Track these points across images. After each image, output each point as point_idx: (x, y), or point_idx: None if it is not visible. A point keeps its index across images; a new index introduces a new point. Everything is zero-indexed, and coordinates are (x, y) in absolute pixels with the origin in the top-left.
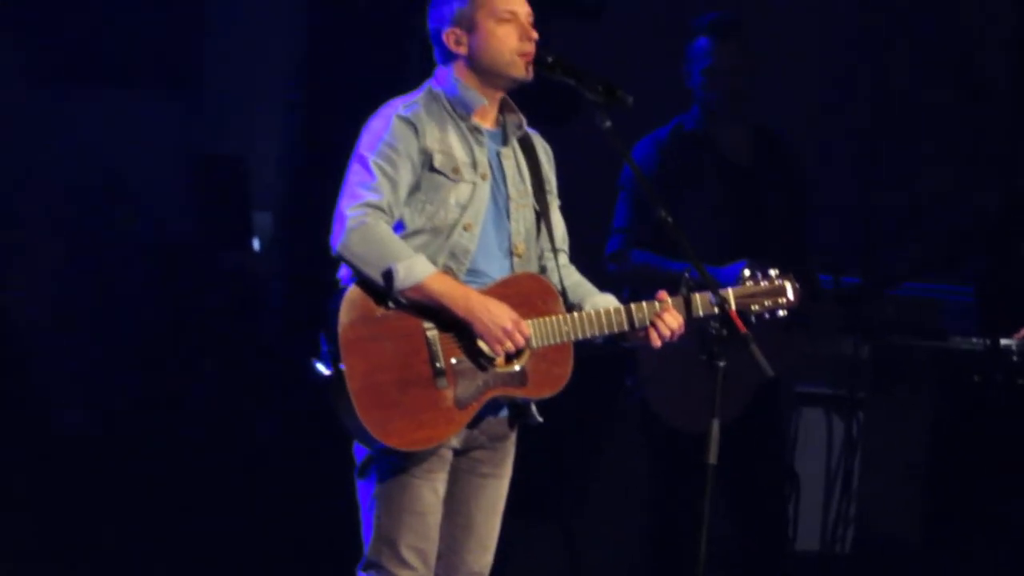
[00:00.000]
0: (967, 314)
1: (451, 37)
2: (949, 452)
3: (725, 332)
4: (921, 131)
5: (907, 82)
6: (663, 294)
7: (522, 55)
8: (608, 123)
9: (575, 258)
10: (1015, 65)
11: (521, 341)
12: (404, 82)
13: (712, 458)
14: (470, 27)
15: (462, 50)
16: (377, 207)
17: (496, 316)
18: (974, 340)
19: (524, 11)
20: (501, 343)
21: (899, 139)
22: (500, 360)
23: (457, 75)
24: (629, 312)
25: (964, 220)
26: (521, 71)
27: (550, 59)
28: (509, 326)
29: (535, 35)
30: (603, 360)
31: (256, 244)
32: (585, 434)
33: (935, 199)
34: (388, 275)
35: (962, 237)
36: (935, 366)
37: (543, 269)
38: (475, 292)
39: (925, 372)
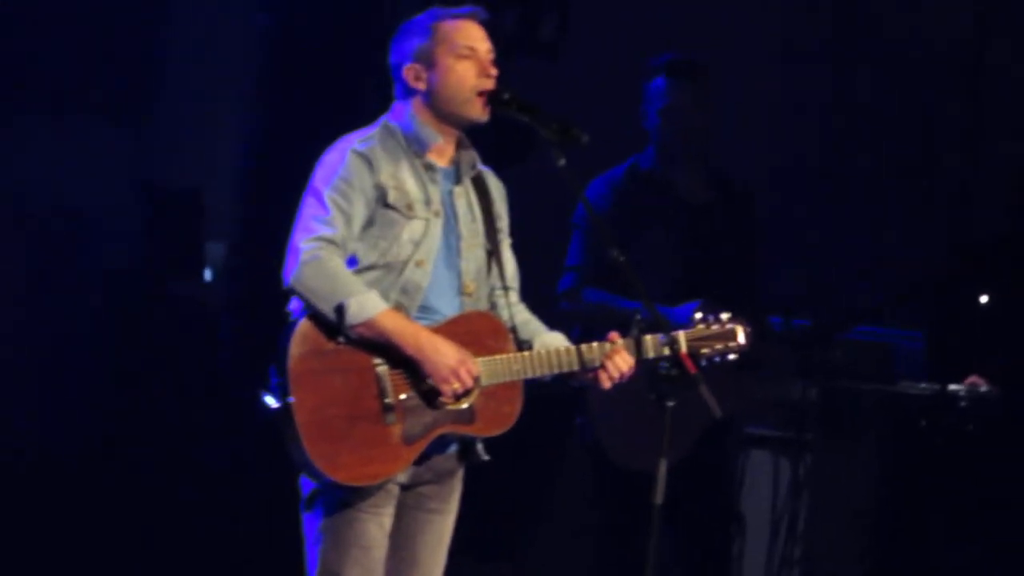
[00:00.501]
0: (915, 359)
1: (411, 72)
2: (895, 497)
3: (675, 372)
4: (873, 177)
5: (861, 130)
6: (614, 335)
7: (480, 93)
8: (563, 161)
9: (528, 294)
10: (967, 119)
11: (469, 382)
12: (359, 116)
13: (659, 497)
14: (430, 63)
15: (421, 86)
16: (331, 241)
17: (445, 356)
18: (922, 385)
19: (484, 48)
20: (449, 383)
21: (852, 185)
22: (449, 398)
23: (414, 111)
24: (579, 352)
25: (914, 266)
26: (477, 111)
27: (506, 96)
28: (457, 366)
29: (494, 72)
30: (553, 398)
31: (208, 274)
32: (535, 472)
33: (886, 244)
34: (340, 310)
35: (912, 283)
36: (883, 410)
37: (493, 307)
38: (425, 331)
39: (873, 416)
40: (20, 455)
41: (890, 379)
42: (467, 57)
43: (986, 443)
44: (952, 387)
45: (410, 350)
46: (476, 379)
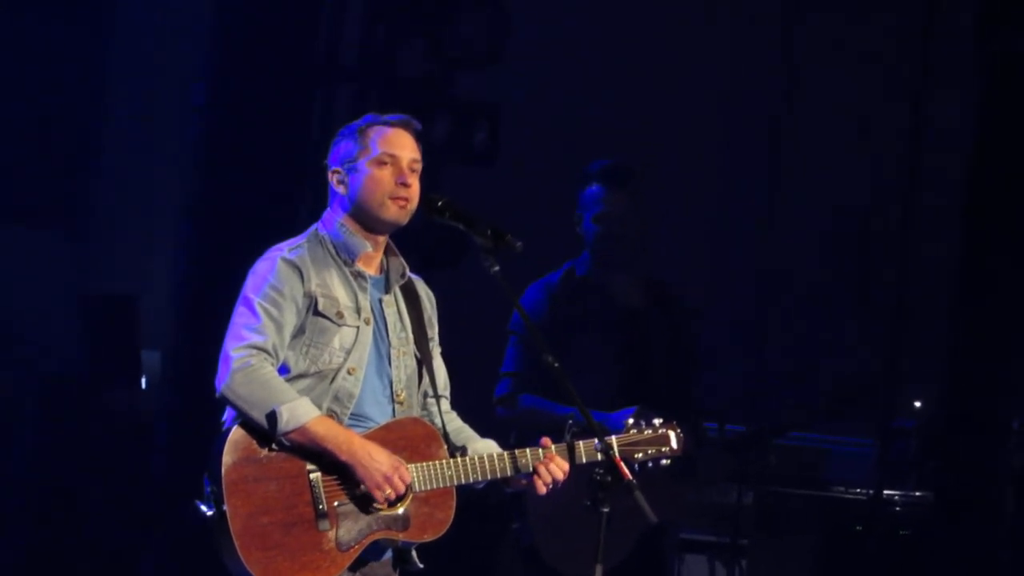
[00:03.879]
0: (849, 464)
1: (335, 176)
2: None
3: (610, 478)
4: (808, 283)
5: (797, 238)
6: (547, 440)
7: (394, 198)
8: (496, 268)
9: (461, 401)
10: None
11: (401, 488)
12: (294, 224)
13: None
14: (351, 168)
15: (342, 190)
16: (262, 348)
17: (378, 462)
18: (857, 490)
19: (408, 156)
20: (382, 489)
21: (785, 291)
22: (383, 504)
23: (342, 219)
24: (513, 457)
25: (849, 372)
26: (392, 213)
27: (440, 203)
28: (390, 472)
29: (411, 182)
30: (489, 504)
31: (144, 383)
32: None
33: (821, 350)
34: (272, 417)
35: (848, 388)
36: (818, 515)
37: (425, 414)
38: (358, 437)
39: (808, 520)
40: None
41: (824, 484)
42: (386, 164)
43: (921, 547)
44: (887, 492)
45: (343, 456)
46: (408, 485)
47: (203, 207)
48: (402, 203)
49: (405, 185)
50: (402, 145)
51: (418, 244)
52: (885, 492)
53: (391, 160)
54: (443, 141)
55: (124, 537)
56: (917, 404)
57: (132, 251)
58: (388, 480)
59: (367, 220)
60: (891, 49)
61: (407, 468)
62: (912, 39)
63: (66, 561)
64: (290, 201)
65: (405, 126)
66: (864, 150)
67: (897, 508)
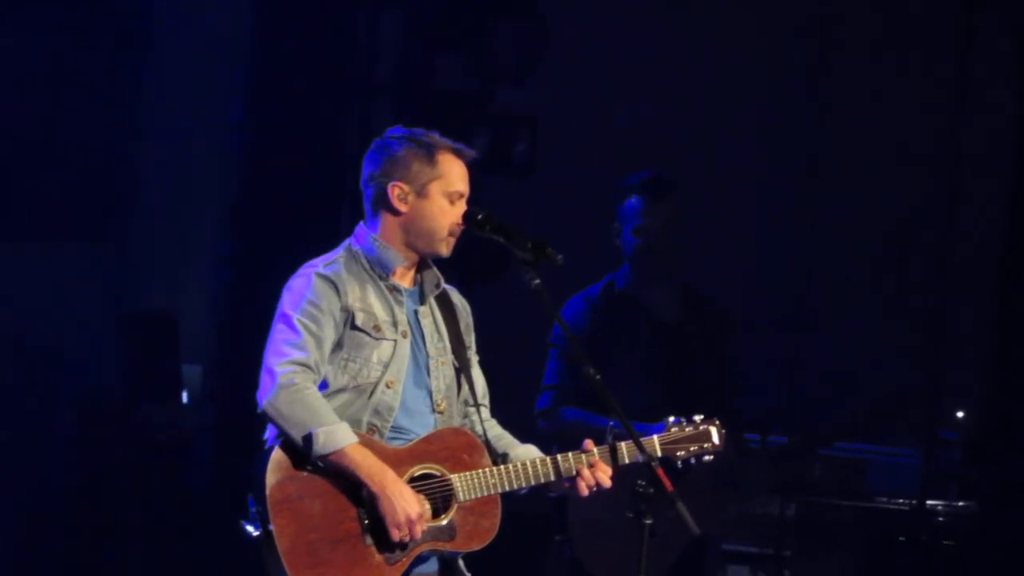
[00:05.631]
0: (893, 474)
1: (396, 191)
2: None
3: (652, 490)
4: (849, 293)
5: (838, 245)
6: (589, 443)
7: (452, 235)
8: (536, 281)
9: (503, 414)
10: (943, 229)
11: (418, 535)
12: (332, 238)
13: None
14: (421, 191)
15: (403, 207)
16: (304, 365)
17: (407, 502)
18: (900, 500)
19: (467, 194)
20: (400, 529)
21: (828, 300)
22: (428, 514)
23: (375, 234)
24: (555, 463)
25: (892, 382)
26: (448, 250)
27: (480, 216)
28: (415, 517)
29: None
30: (533, 516)
31: (185, 397)
32: None
33: (862, 360)
34: (308, 439)
35: (890, 399)
36: (860, 525)
37: (466, 423)
38: (392, 473)
39: (851, 531)
40: None
41: (867, 495)
42: (454, 201)
43: (964, 557)
44: (930, 502)
45: (374, 487)
46: (455, 494)
47: (242, 223)
48: (452, 241)
49: (461, 225)
50: (467, 182)
51: (459, 258)
52: (928, 502)
53: (459, 197)
54: (482, 154)
55: (164, 553)
56: (960, 414)
57: (171, 267)
58: (410, 523)
59: (418, 245)
60: (930, 53)
61: (454, 477)
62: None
63: (105, 575)
64: (328, 216)
65: (467, 158)
66: (903, 160)
67: (940, 518)
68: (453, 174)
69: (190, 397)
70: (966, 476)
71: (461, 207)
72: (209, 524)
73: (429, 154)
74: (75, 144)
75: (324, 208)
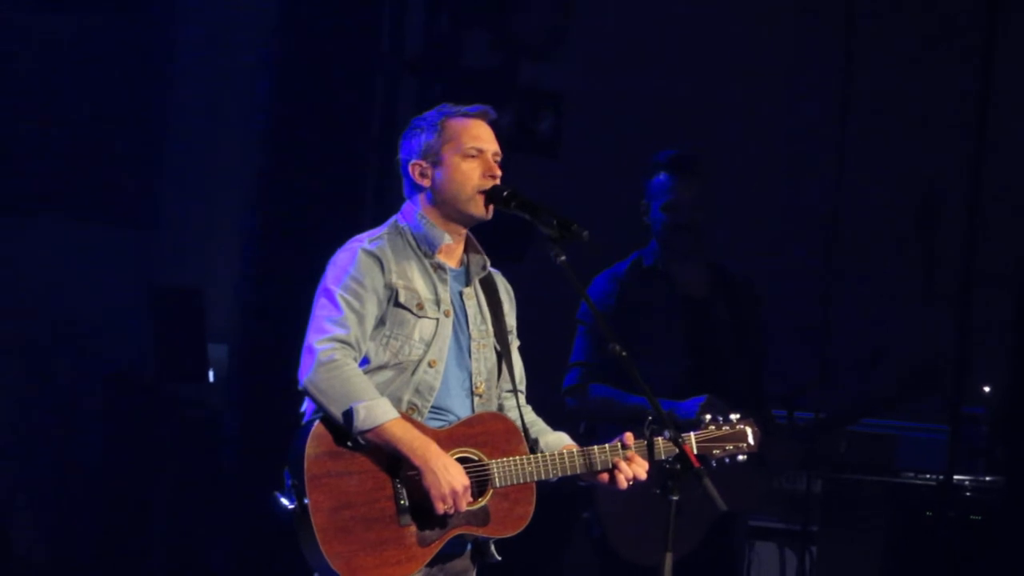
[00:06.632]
0: (919, 450)
1: (416, 169)
2: None
3: (679, 466)
4: (875, 269)
5: (863, 224)
6: (629, 438)
7: (482, 193)
8: (563, 257)
9: (530, 391)
10: (969, 201)
11: (461, 509)
12: (358, 216)
13: None
14: (436, 160)
15: (425, 183)
16: (345, 342)
17: (451, 475)
18: (927, 476)
19: (491, 149)
20: (445, 501)
21: (855, 276)
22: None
23: (421, 210)
24: (594, 454)
25: (918, 357)
26: (480, 209)
27: (505, 193)
28: (459, 489)
29: (498, 173)
30: (560, 494)
31: (211, 375)
32: (542, 566)
33: (890, 336)
34: (348, 415)
35: (918, 374)
36: (887, 501)
37: (501, 407)
38: (435, 446)
39: (877, 507)
40: (28, 558)
41: (893, 470)
42: (473, 157)
43: (992, 532)
44: (957, 477)
45: (416, 461)
46: (492, 479)
47: (268, 200)
48: (482, 200)
49: (494, 178)
50: (486, 138)
51: (485, 234)
52: (955, 477)
53: (477, 153)
54: (507, 131)
55: (192, 529)
56: (986, 389)
57: (198, 245)
58: (455, 495)
59: (452, 213)
60: (956, 27)
61: (491, 463)
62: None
63: (135, 553)
64: (354, 193)
65: (484, 116)
66: (930, 134)
67: (968, 493)
68: (462, 134)
69: (217, 375)
70: (993, 451)
71: (483, 164)
72: (236, 501)
73: (433, 125)
74: (104, 123)
75: (349, 185)
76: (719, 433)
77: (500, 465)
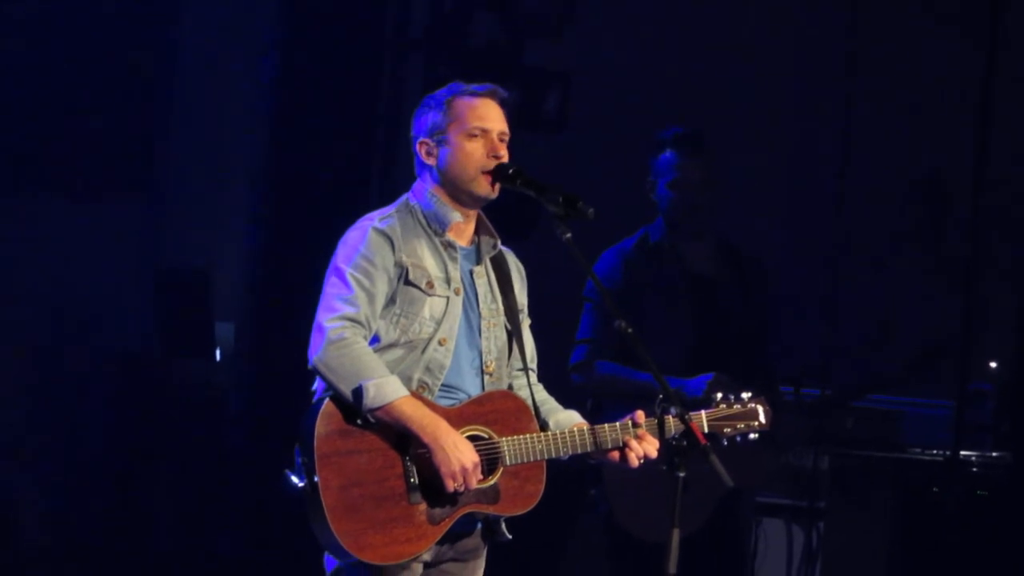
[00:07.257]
0: (927, 426)
1: (423, 148)
2: (908, 563)
3: (685, 443)
4: (882, 245)
5: (870, 201)
6: (640, 416)
7: (486, 172)
8: (568, 234)
9: (542, 368)
10: (977, 177)
11: (471, 486)
12: (364, 194)
13: (672, 568)
14: (441, 140)
15: (432, 161)
16: (355, 320)
17: (461, 452)
18: (933, 452)
19: (497, 129)
20: (455, 479)
21: (859, 254)
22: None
23: (430, 188)
24: (604, 432)
25: (925, 333)
26: (485, 188)
27: (510, 171)
28: (470, 466)
29: (503, 153)
30: (568, 471)
31: (218, 354)
32: (550, 543)
33: (897, 313)
34: (358, 392)
35: (925, 351)
36: (894, 477)
37: (511, 386)
38: (446, 423)
39: (885, 483)
40: (34, 541)
41: (900, 446)
42: (477, 137)
43: (998, 508)
44: (964, 453)
45: (426, 439)
46: (501, 457)
47: (274, 179)
48: (486, 180)
49: (498, 158)
50: (492, 117)
51: (491, 212)
52: (962, 453)
53: (481, 133)
54: (514, 107)
55: (198, 508)
56: (993, 365)
57: (204, 224)
58: (465, 472)
59: (457, 193)
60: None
61: (501, 440)
62: None
63: (142, 532)
64: (360, 172)
65: (492, 96)
66: (935, 112)
67: (974, 469)
68: (468, 114)
69: (223, 354)
70: (1000, 427)
71: (487, 143)
72: (242, 480)
73: (441, 104)
74: (109, 101)
75: (356, 165)
76: (731, 411)
77: (510, 443)
